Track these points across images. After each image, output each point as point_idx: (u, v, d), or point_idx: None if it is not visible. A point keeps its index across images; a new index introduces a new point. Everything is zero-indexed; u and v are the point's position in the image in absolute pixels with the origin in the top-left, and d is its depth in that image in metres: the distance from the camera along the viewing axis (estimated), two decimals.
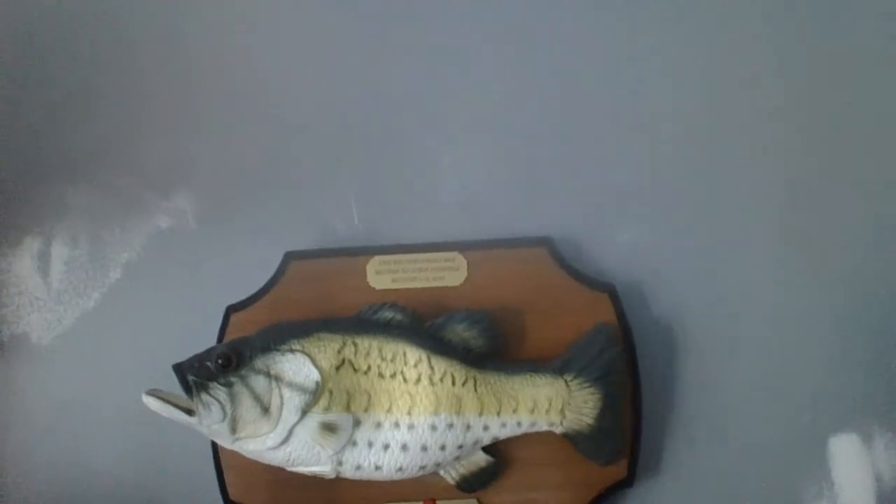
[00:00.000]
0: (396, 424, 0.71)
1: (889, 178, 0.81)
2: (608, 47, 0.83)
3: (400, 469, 0.71)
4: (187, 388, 0.69)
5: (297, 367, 0.71)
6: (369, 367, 0.71)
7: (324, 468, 0.71)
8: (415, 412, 0.71)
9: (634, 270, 0.80)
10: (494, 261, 0.78)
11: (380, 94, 0.84)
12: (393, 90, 0.84)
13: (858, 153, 0.81)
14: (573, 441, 0.73)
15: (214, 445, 0.75)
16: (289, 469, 0.72)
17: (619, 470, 0.74)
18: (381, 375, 0.71)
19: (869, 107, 0.82)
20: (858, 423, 0.78)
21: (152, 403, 0.68)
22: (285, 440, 0.70)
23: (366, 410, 0.71)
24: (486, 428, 0.72)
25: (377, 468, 0.71)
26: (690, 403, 0.79)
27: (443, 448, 0.71)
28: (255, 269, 0.79)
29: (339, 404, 0.70)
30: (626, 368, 0.75)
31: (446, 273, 0.78)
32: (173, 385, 0.69)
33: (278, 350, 0.71)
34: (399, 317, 0.73)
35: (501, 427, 0.72)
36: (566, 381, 0.73)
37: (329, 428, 0.70)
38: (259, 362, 0.70)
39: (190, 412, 0.69)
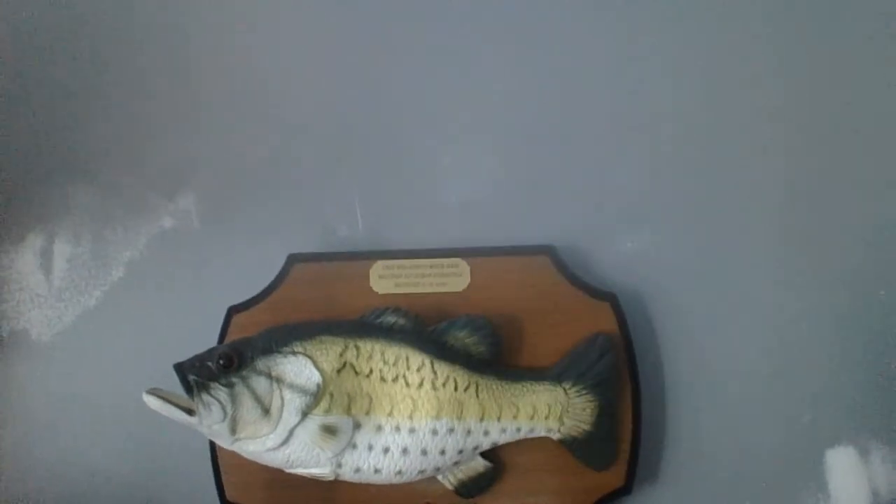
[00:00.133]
0: (397, 428, 0.71)
1: (889, 179, 0.81)
2: (609, 51, 0.84)
3: (399, 473, 0.71)
4: (188, 388, 0.69)
5: (298, 368, 0.71)
6: (371, 371, 0.72)
7: (323, 470, 0.71)
8: (416, 416, 0.71)
9: (636, 278, 0.80)
10: (497, 267, 0.78)
11: (382, 98, 0.85)
12: (395, 94, 0.85)
13: (858, 154, 0.81)
14: (570, 447, 0.73)
15: (213, 445, 0.75)
16: (287, 471, 0.72)
17: (617, 478, 0.74)
18: (382, 379, 0.71)
19: (869, 107, 0.82)
20: (856, 436, 0.78)
21: (153, 402, 0.68)
22: (285, 441, 0.70)
23: (367, 413, 0.71)
24: (486, 433, 0.72)
25: (376, 471, 0.71)
26: (689, 412, 0.79)
27: (443, 452, 0.71)
28: (258, 270, 0.79)
29: (340, 407, 0.71)
30: (625, 376, 0.75)
31: (449, 279, 0.78)
32: (173, 385, 0.69)
33: (280, 352, 0.71)
34: (402, 321, 0.73)
35: (501, 432, 0.73)
36: (565, 389, 0.73)
37: (329, 430, 0.70)
38: (260, 363, 0.71)
39: (190, 412, 0.69)
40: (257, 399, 0.70)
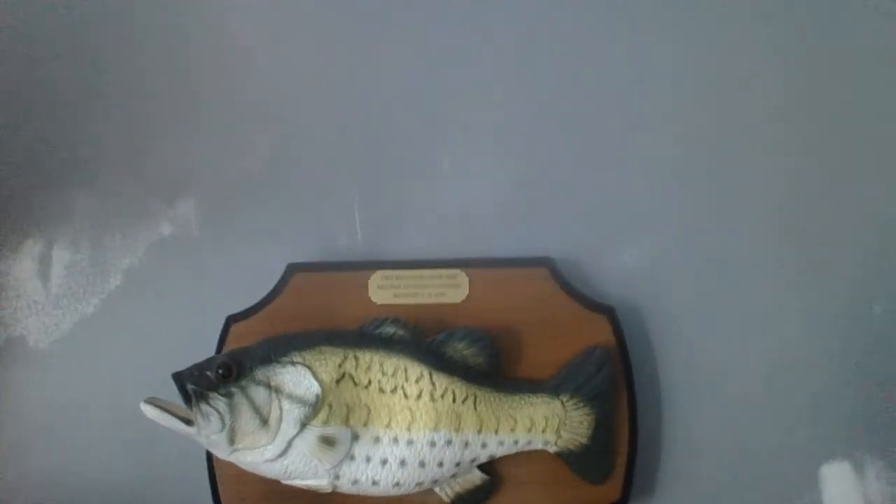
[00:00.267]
0: (395, 440, 0.71)
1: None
2: (609, 66, 0.84)
3: (397, 484, 0.71)
4: (186, 398, 0.69)
5: (297, 379, 0.71)
6: (370, 382, 0.72)
7: (320, 482, 0.71)
8: (414, 428, 0.71)
9: (634, 291, 0.80)
10: (496, 279, 0.78)
11: (382, 108, 0.85)
12: (395, 104, 0.85)
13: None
14: (567, 460, 0.74)
15: (209, 455, 0.75)
16: (285, 482, 0.72)
17: (613, 491, 0.74)
18: (381, 390, 0.72)
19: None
20: (851, 451, 0.78)
21: (150, 412, 0.68)
22: (283, 452, 0.70)
23: (365, 425, 0.71)
24: (483, 445, 0.72)
25: (374, 483, 0.71)
26: (685, 425, 0.79)
27: (440, 464, 0.71)
28: (257, 279, 0.79)
29: (339, 418, 0.71)
30: (622, 389, 0.75)
31: (448, 290, 0.78)
32: (171, 394, 0.69)
33: (279, 362, 0.71)
34: (401, 332, 0.73)
35: (499, 445, 0.73)
36: (562, 401, 0.73)
37: (327, 441, 0.70)
38: (259, 373, 0.70)
39: (188, 422, 0.68)
40: (256, 409, 0.69)
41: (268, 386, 0.70)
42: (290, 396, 0.70)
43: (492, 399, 0.73)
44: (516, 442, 0.73)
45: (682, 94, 0.83)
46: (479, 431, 0.72)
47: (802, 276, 0.81)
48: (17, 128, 0.86)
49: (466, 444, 0.72)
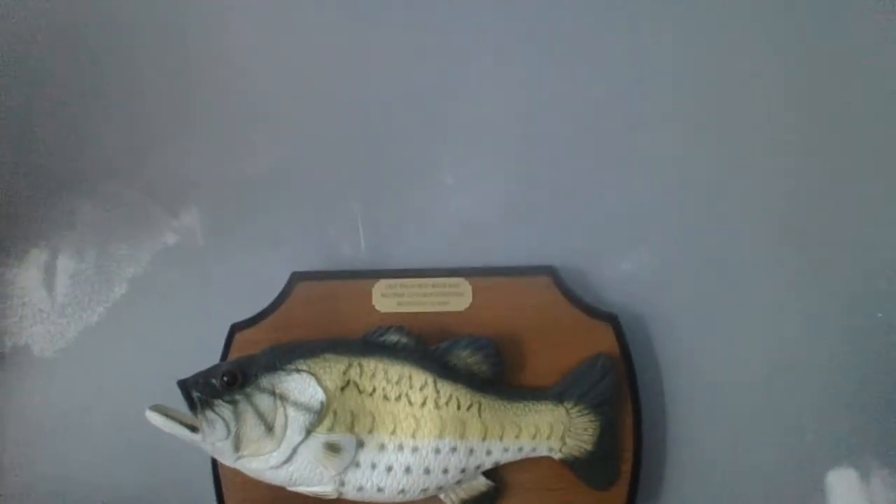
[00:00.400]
0: (400, 447, 0.71)
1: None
2: (611, 73, 0.84)
3: (402, 491, 0.71)
4: (191, 405, 0.69)
5: (302, 386, 0.71)
6: (374, 389, 0.72)
7: (326, 488, 0.71)
8: (419, 435, 0.71)
9: (637, 299, 0.81)
10: (499, 288, 0.78)
11: (385, 117, 0.85)
12: (397, 113, 0.85)
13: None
14: (572, 467, 0.74)
15: (214, 462, 0.75)
16: (290, 489, 0.72)
17: (618, 497, 0.74)
18: (385, 398, 0.72)
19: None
20: (857, 458, 0.78)
21: (155, 419, 0.68)
22: (288, 459, 0.70)
23: (370, 432, 0.71)
24: (488, 452, 0.73)
25: (379, 490, 0.71)
26: (689, 432, 0.79)
27: (445, 471, 0.72)
28: (261, 288, 0.79)
29: (343, 425, 0.71)
30: (626, 396, 0.76)
31: (451, 298, 0.78)
32: (176, 401, 0.69)
33: (284, 369, 0.71)
34: (405, 340, 0.73)
35: (504, 452, 0.73)
36: (567, 408, 0.74)
37: (332, 448, 0.70)
38: (264, 381, 0.71)
39: (193, 429, 0.69)
40: (261, 416, 0.70)
41: (273, 393, 0.70)
42: (295, 403, 0.70)
43: (496, 406, 0.73)
44: (521, 449, 0.73)
45: (682, 94, 0.84)
46: (484, 438, 0.72)
47: (802, 277, 0.81)
48: (21, 138, 0.86)
49: (471, 451, 0.72)
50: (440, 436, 0.71)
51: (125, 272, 0.85)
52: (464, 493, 0.73)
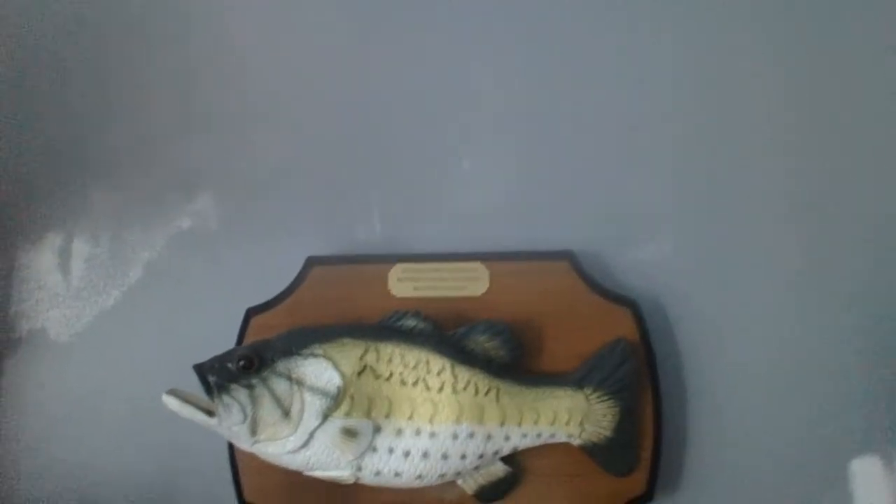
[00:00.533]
0: (418, 432, 0.71)
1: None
2: (625, 59, 0.83)
3: (419, 476, 0.71)
4: (208, 389, 0.69)
5: (319, 371, 0.70)
6: (391, 374, 0.71)
7: (343, 473, 0.71)
8: (437, 420, 0.71)
9: (656, 284, 0.80)
10: (516, 272, 0.78)
11: (402, 101, 0.85)
12: (414, 97, 0.85)
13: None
14: (591, 453, 0.73)
15: (231, 446, 0.75)
16: (307, 473, 0.71)
17: (638, 484, 0.73)
18: (403, 382, 0.71)
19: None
20: (881, 445, 0.77)
21: (172, 403, 0.68)
22: (305, 444, 0.70)
23: (387, 417, 0.71)
24: (507, 438, 0.72)
25: (396, 475, 0.71)
26: (710, 418, 0.78)
27: (463, 457, 0.71)
28: (276, 272, 0.79)
29: (360, 410, 0.70)
30: (646, 382, 0.75)
31: (468, 283, 0.78)
32: (192, 385, 0.69)
33: (300, 354, 0.71)
34: (422, 325, 0.73)
35: (522, 438, 0.72)
36: (586, 394, 0.73)
37: (349, 433, 0.70)
38: (281, 365, 0.70)
39: (210, 413, 0.68)
40: (277, 401, 0.69)
41: (289, 378, 0.70)
42: (312, 388, 0.70)
43: (514, 392, 0.72)
44: (539, 435, 0.73)
45: (699, 95, 0.83)
46: (502, 424, 0.72)
47: (825, 262, 0.79)
48: (35, 124, 0.86)
49: (489, 437, 0.72)
50: (458, 421, 0.71)
51: (140, 256, 0.85)
52: (482, 478, 0.73)
